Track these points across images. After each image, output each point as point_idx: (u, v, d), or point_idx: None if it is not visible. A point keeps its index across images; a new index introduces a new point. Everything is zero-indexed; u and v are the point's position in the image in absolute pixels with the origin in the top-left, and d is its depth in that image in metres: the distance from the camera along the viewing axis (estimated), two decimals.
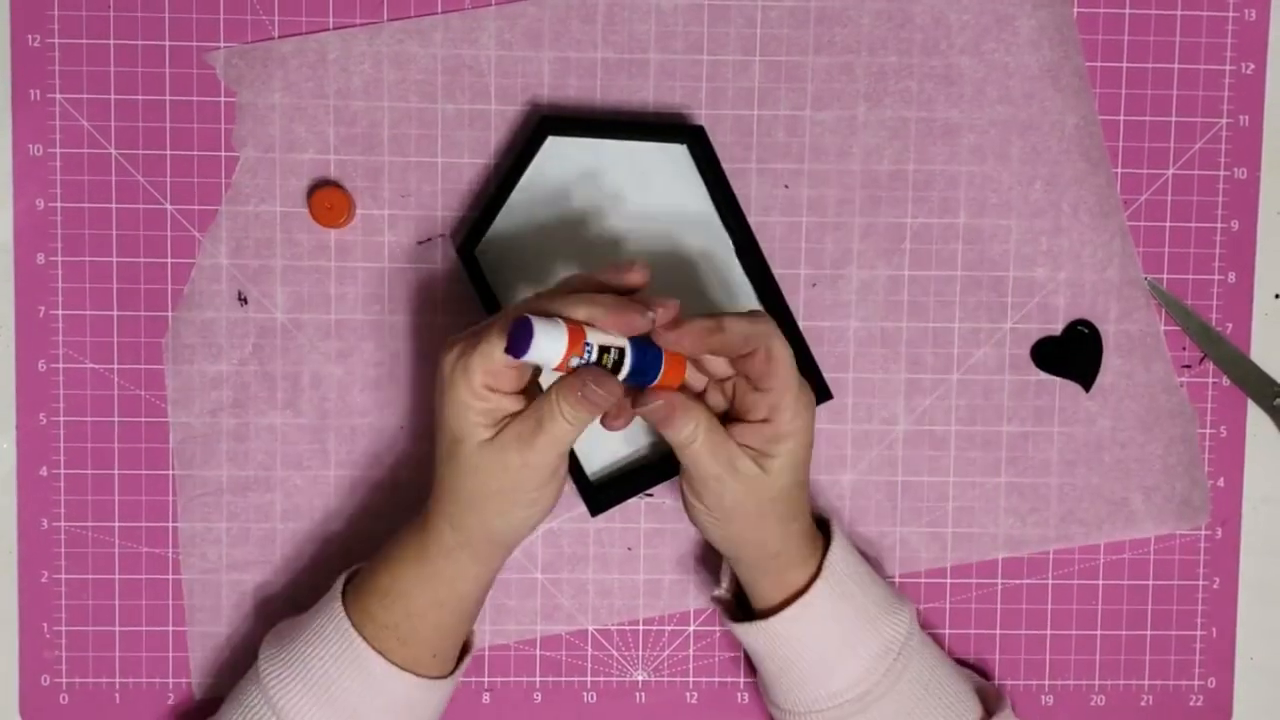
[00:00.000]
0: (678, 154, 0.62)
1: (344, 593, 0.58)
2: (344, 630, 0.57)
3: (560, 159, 0.61)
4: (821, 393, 0.62)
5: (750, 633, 0.59)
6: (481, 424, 0.53)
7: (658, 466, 0.63)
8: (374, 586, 0.58)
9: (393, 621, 0.57)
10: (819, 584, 0.58)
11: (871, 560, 0.66)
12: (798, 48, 0.64)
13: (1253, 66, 0.65)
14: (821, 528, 0.61)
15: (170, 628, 0.65)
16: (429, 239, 0.64)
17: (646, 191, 0.62)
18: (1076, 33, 0.64)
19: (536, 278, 0.62)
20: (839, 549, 0.59)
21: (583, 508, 0.64)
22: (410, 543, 0.57)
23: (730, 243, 0.62)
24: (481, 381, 0.52)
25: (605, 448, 0.63)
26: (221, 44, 0.63)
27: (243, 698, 0.59)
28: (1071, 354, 0.65)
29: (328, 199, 0.63)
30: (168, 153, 0.64)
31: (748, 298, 0.63)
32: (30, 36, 0.63)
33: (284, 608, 0.65)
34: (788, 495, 0.56)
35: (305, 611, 0.60)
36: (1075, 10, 0.64)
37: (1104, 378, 0.66)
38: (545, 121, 0.61)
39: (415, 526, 0.58)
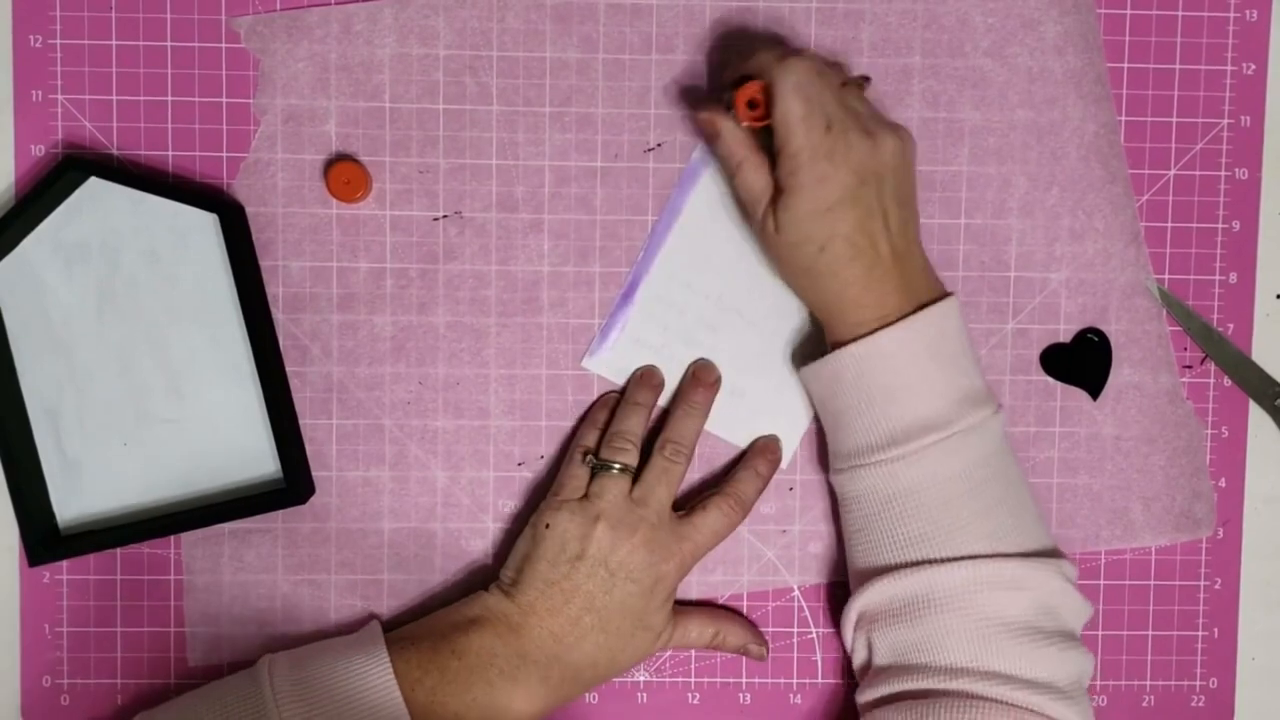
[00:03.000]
0: (210, 223, 0.63)
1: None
2: (387, 684, 0.57)
3: (102, 204, 0.62)
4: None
5: (821, 368, 0.59)
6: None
7: (137, 526, 0.63)
8: (439, 669, 0.58)
9: (446, 701, 0.58)
10: (895, 330, 0.57)
11: None
12: (823, 47, 0.64)
13: (1254, 67, 0.65)
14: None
15: (172, 629, 0.65)
16: (445, 215, 0.64)
17: (183, 253, 0.63)
18: (1101, 40, 0.64)
19: (48, 314, 0.63)
20: (930, 316, 0.58)
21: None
22: (490, 646, 0.59)
23: (243, 323, 0.63)
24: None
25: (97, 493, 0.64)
26: (222, 45, 0.63)
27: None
28: (1081, 362, 0.65)
29: (345, 173, 0.63)
30: (170, 153, 0.64)
31: (246, 375, 0.63)
32: (32, 37, 0.63)
33: (286, 609, 0.65)
34: (796, 251, 0.57)
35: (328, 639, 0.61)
36: (1101, 16, 0.64)
37: (1111, 386, 0.66)
38: (74, 162, 0.61)
39: (496, 636, 0.59)
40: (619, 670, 0.61)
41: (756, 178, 0.58)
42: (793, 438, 0.65)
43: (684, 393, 0.64)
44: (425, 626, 0.60)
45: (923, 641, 0.57)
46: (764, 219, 0.58)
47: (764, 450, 0.65)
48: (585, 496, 0.61)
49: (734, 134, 0.58)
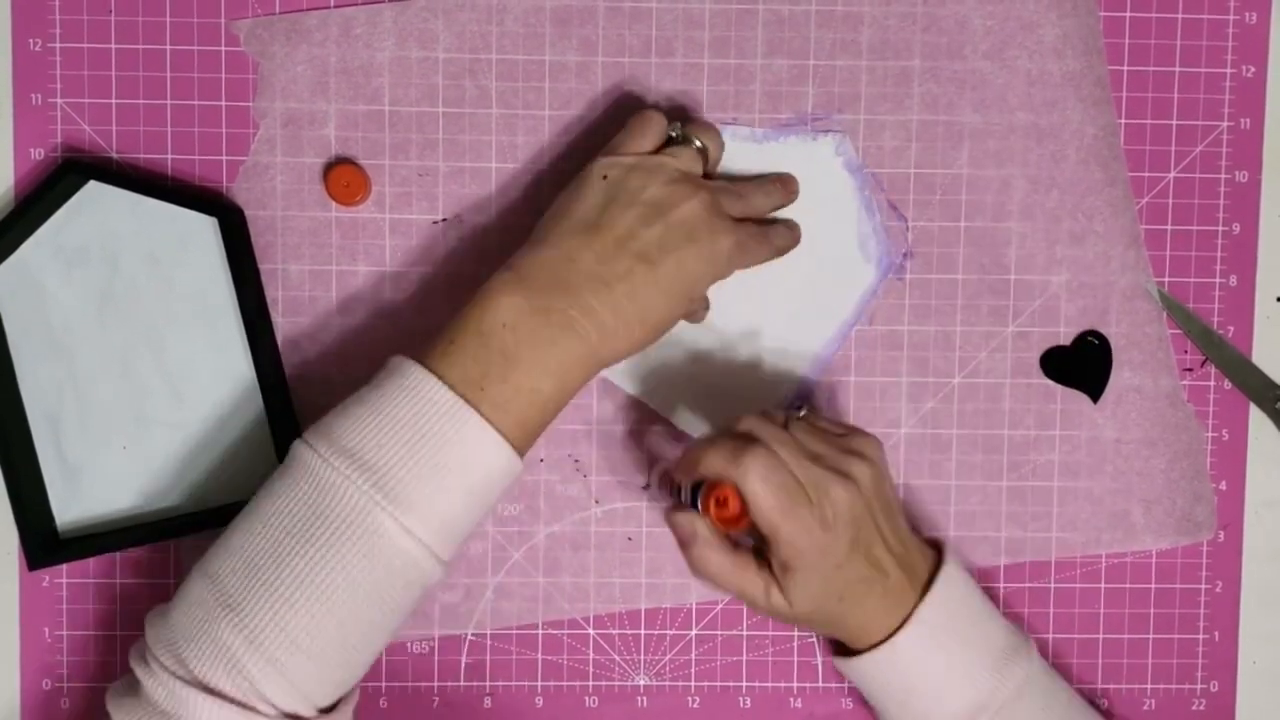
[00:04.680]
0: (209, 227, 0.63)
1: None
2: (429, 385, 0.52)
3: (101, 208, 0.62)
4: None
5: (848, 668, 0.59)
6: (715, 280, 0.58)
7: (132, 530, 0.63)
8: (498, 353, 0.53)
9: (520, 383, 0.53)
10: (908, 629, 0.57)
11: None
12: (823, 49, 0.64)
13: (1253, 69, 0.65)
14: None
15: None
16: (444, 219, 0.64)
17: (182, 257, 0.63)
18: (1101, 42, 0.64)
19: (50, 317, 0.63)
20: (935, 600, 0.57)
21: (589, 498, 0.64)
22: (529, 324, 0.53)
23: (242, 327, 0.63)
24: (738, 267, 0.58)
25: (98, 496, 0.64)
26: (223, 48, 0.63)
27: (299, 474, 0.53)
28: (1081, 365, 0.65)
29: (344, 176, 0.63)
30: (169, 156, 0.64)
31: (245, 378, 0.63)
32: (31, 40, 0.63)
33: None
34: (815, 615, 0.56)
35: None
36: (1101, 19, 0.64)
37: (1111, 389, 0.66)
38: (73, 165, 0.61)
39: (523, 295, 0.53)
40: (654, 337, 0.56)
41: (744, 578, 0.56)
42: None
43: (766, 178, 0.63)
44: (446, 332, 0.54)
45: None
46: (769, 600, 0.56)
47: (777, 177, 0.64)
48: (655, 154, 0.58)
49: (709, 540, 0.56)
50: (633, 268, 0.55)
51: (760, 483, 0.54)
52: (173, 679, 0.51)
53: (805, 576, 0.55)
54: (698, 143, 0.59)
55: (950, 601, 0.58)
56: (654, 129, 0.59)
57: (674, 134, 0.60)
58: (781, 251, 0.63)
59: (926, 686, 0.57)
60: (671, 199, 0.56)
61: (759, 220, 0.62)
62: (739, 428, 0.57)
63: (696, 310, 0.62)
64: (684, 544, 0.57)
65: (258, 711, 0.51)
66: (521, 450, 0.54)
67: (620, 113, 0.64)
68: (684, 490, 0.57)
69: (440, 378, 0.53)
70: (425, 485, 0.52)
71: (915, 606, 0.57)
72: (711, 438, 0.57)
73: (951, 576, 0.58)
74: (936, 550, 0.60)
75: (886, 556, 0.57)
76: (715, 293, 0.64)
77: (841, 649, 0.60)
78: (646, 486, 0.64)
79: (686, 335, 0.65)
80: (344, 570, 0.51)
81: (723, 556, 0.56)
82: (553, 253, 0.55)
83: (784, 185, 0.63)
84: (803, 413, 0.59)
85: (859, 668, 0.58)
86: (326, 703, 0.54)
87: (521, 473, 0.55)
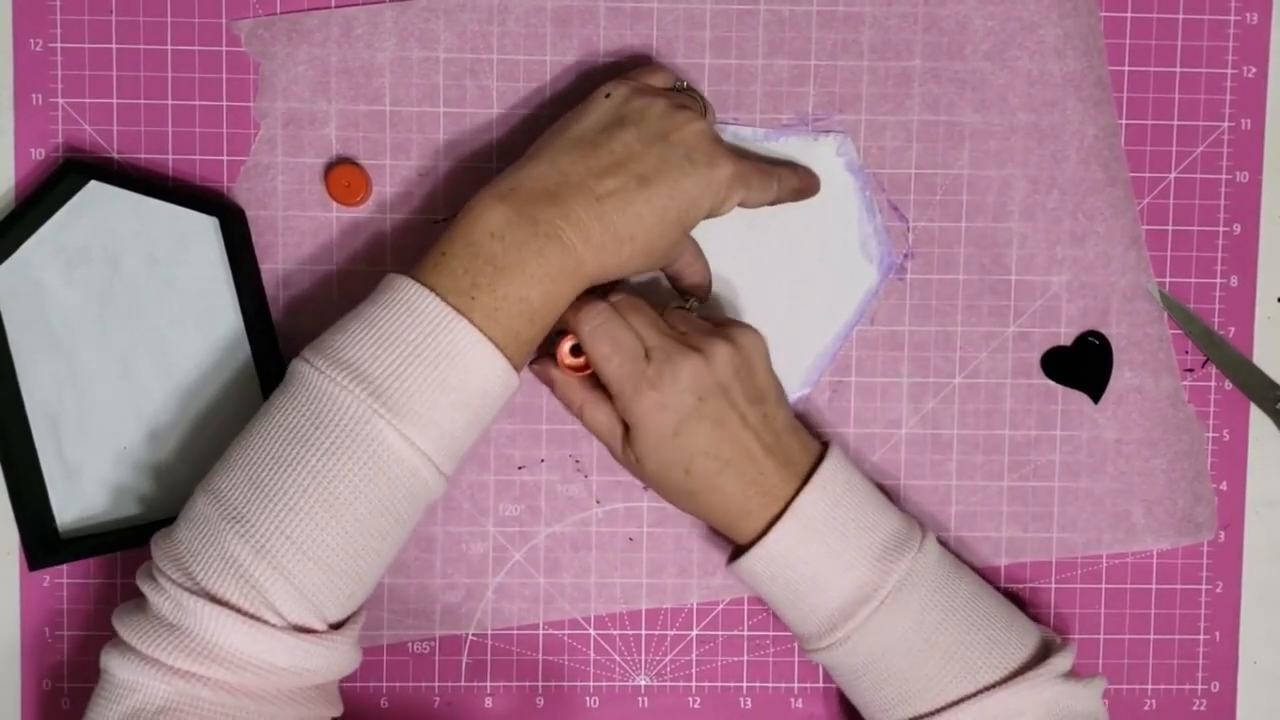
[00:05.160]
0: (210, 227, 0.63)
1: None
2: (421, 298, 0.53)
3: (102, 208, 0.62)
4: None
5: (739, 571, 0.59)
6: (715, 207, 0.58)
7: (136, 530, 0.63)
8: (487, 261, 0.53)
9: (507, 291, 0.53)
10: (784, 520, 0.57)
11: None
12: (824, 50, 0.64)
13: (1254, 70, 0.65)
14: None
15: None
16: (445, 219, 0.64)
17: (183, 257, 0.63)
18: (1102, 43, 0.64)
19: (49, 317, 0.63)
20: (812, 492, 0.57)
21: (590, 498, 0.64)
22: (523, 241, 0.53)
23: (243, 327, 0.63)
24: (739, 202, 0.58)
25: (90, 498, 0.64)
26: (224, 48, 0.63)
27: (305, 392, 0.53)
28: (1082, 365, 0.65)
29: (345, 176, 0.63)
30: (170, 157, 0.64)
31: (246, 379, 0.63)
32: (32, 40, 0.63)
33: None
34: (666, 478, 0.57)
35: None
36: (1101, 19, 0.64)
37: (1112, 390, 0.66)
38: (74, 165, 0.61)
39: (510, 205, 0.54)
40: (652, 260, 0.57)
41: (598, 416, 0.59)
42: None
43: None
44: (437, 244, 0.55)
45: None
46: (624, 453, 0.58)
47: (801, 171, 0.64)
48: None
49: (564, 382, 0.60)
50: (626, 184, 0.55)
51: (591, 333, 0.56)
52: (180, 590, 0.51)
53: (640, 434, 0.56)
54: (702, 100, 0.60)
55: (831, 493, 0.57)
56: (661, 73, 0.60)
57: (680, 85, 0.60)
58: (795, 195, 0.62)
59: (812, 578, 0.57)
60: (673, 121, 0.56)
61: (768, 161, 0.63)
62: (607, 298, 0.58)
63: (687, 263, 0.62)
64: (550, 387, 0.61)
65: (266, 622, 0.51)
66: (516, 361, 0.55)
67: None
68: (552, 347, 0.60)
69: (431, 289, 0.53)
70: (423, 395, 0.52)
71: (793, 499, 0.57)
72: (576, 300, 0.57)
73: (833, 468, 0.58)
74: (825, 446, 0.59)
75: (748, 438, 0.57)
76: (717, 293, 0.65)
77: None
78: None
79: None
80: (347, 478, 0.52)
81: (582, 393, 0.59)
82: (545, 167, 0.55)
83: (802, 175, 0.63)
84: (689, 304, 0.61)
85: (745, 566, 0.58)
86: (336, 616, 0.54)
87: (517, 389, 0.56)
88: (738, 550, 0.60)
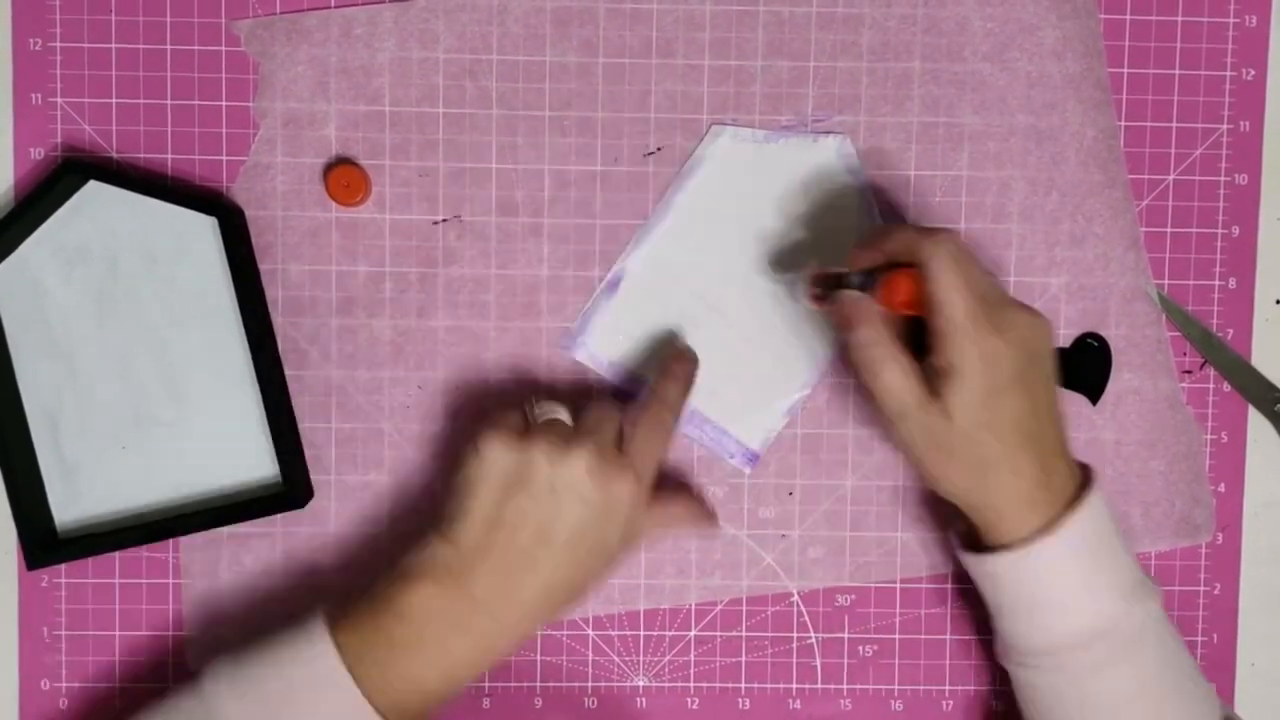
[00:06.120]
0: (209, 227, 0.63)
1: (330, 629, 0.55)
2: (339, 678, 0.54)
3: (101, 207, 0.62)
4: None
5: (981, 563, 0.58)
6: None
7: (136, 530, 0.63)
8: (385, 637, 0.55)
9: (402, 673, 0.55)
10: (1056, 536, 0.55)
11: (873, 565, 0.66)
12: (823, 51, 0.64)
13: (1253, 72, 0.65)
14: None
15: (170, 633, 0.65)
16: (444, 219, 0.64)
17: (182, 257, 0.63)
18: (1101, 45, 0.64)
19: (47, 318, 0.63)
20: (1083, 517, 0.55)
21: None
22: (436, 598, 0.55)
23: (241, 327, 0.63)
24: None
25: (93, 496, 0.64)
26: (223, 48, 0.63)
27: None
28: (1080, 367, 0.65)
29: (345, 176, 0.63)
30: (169, 156, 0.64)
31: (245, 378, 0.63)
32: (32, 40, 0.63)
33: (284, 614, 0.65)
34: (972, 440, 0.54)
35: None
36: (1101, 21, 0.64)
37: (1110, 391, 0.66)
38: (73, 165, 0.61)
39: (439, 587, 0.55)
40: (578, 601, 0.57)
41: (896, 371, 0.54)
42: (762, 440, 0.65)
43: (665, 360, 0.63)
44: (365, 594, 0.57)
45: None
46: (925, 413, 0.54)
47: (673, 351, 0.63)
48: (524, 428, 0.57)
49: (878, 329, 0.55)
50: (529, 547, 0.55)
51: (952, 260, 0.53)
52: None
53: (967, 383, 0.53)
54: (553, 414, 0.58)
55: (1096, 524, 0.56)
56: (506, 423, 0.57)
57: (533, 406, 0.59)
58: (690, 522, 0.62)
59: (1058, 599, 0.56)
60: (558, 470, 0.55)
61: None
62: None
63: (666, 525, 0.61)
64: (848, 324, 0.56)
65: None
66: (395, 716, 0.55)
67: (619, 113, 0.64)
68: (854, 280, 0.56)
69: (338, 646, 0.54)
70: None
71: (1060, 517, 0.55)
72: (905, 226, 0.56)
73: (1099, 500, 0.57)
74: (1085, 472, 0.58)
75: (1053, 421, 0.55)
76: (720, 293, 0.65)
77: (967, 546, 0.59)
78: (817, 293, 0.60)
79: (695, 337, 0.65)
80: None
81: (888, 342, 0.55)
82: (449, 549, 0.55)
83: (677, 359, 0.63)
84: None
85: (994, 565, 0.57)
86: None
87: None
88: (973, 541, 0.58)
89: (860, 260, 0.57)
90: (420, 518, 0.65)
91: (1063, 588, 0.56)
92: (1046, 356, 0.55)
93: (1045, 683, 0.58)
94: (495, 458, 0.55)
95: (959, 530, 0.61)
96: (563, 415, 0.59)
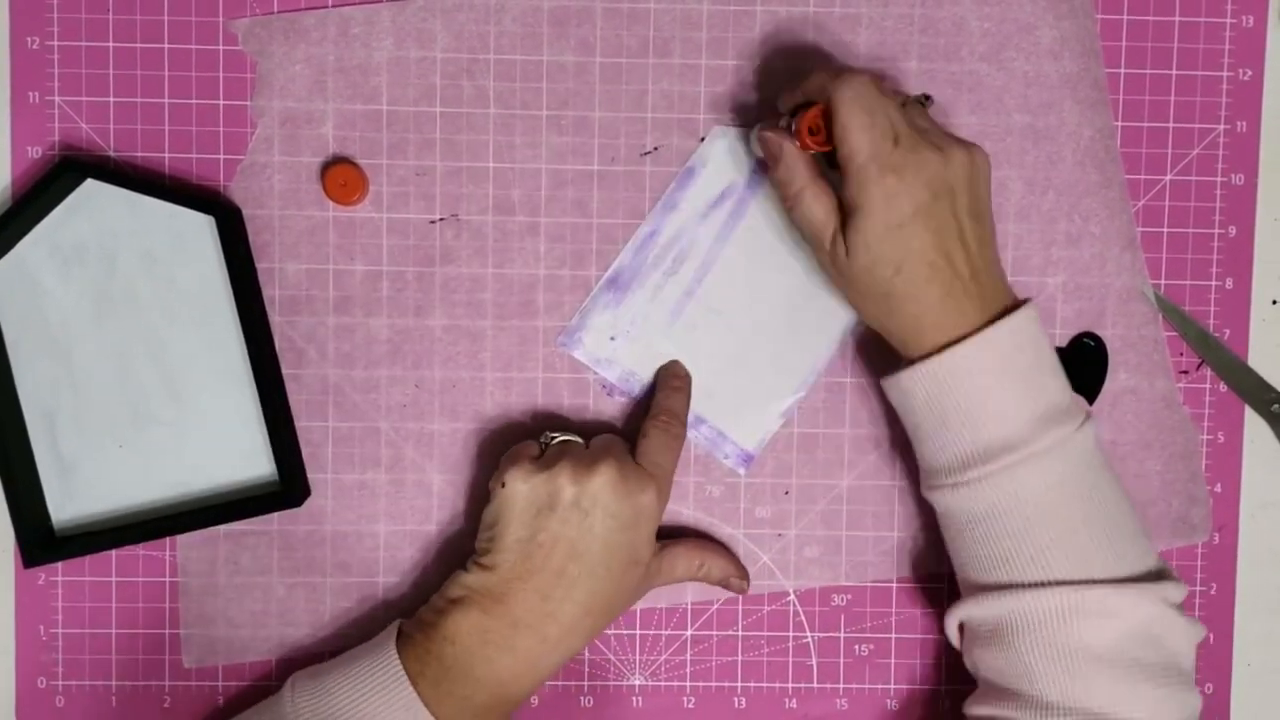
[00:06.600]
0: (206, 226, 0.63)
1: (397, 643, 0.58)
2: (403, 689, 0.56)
3: (98, 206, 0.62)
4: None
5: (896, 382, 0.58)
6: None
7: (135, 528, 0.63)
8: (436, 658, 0.57)
9: (452, 690, 0.57)
10: (970, 342, 0.55)
11: (869, 564, 0.66)
12: (822, 51, 0.64)
13: (1250, 72, 0.65)
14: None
15: (167, 631, 0.65)
16: (442, 218, 0.64)
17: (179, 256, 0.63)
18: (1098, 45, 0.64)
19: (45, 315, 0.63)
20: (1004, 328, 0.55)
21: None
22: (489, 627, 0.57)
23: (239, 326, 0.63)
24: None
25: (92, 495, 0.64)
26: (220, 47, 0.64)
27: None
28: (1077, 366, 0.65)
29: (342, 176, 0.63)
30: (166, 155, 0.64)
31: (242, 377, 0.63)
32: (29, 39, 0.63)
33: (281, 612, 0.65)
34: (870, 274, 0.56)
35: (341, 654, 0.60)
36: (1097, 21, 0.64)
37: (1107, 391, 0.66)
38: (71, 163, 0.61)
39: (482, 611, 0.57)
40: (617, 613, 0.60)
41: (818, 206, 0.57)
42: (757, 441, 0.65)
43: (665, 376, 0.64)
44: (417, 618, 0.59)
45: (1013, 669, 0.56)
46: (832, 246, 0.57)
47: (670, 369, 0.65)
48: (540, 456, 0.60)
49: (796, 158, 0.57)
50: (562, 568, 0.57)
51: (853, 99, 0.55)
52: None
53: (866, 220, 0.55)
54: (565, 437, 0.60)
55: (1020, 338, 0.56)
56: (524, 454, 0.59)
57: (547, 440, 0.61)
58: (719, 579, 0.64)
59: (966, 410, 0.56)
60: (581, 488, 0.57)
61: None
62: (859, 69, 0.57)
63: (692, 566, 0.63)
64: (773, 159, 0.58)
65: None
66: None
67: (616, 113, 0.64)
68: (783, 121, 0.58)
69: (402, 660, 0.57)
70: None
71: (981, 327, 0.55)
72: (825, 65, 0.58)
73: (1026, 318, 0.56)
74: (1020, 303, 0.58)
75: (959, 253, 0.55)
76: (722, 293, 0.65)
77: (888, 371, 0.59)
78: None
79: (692, 338, 0.65)
80: None
81: (808, 176, 0.57)
82: (490, 576, 0.58)
83: (675, 375, 0.64)
84: (927, 100, 0.59)
85: (908, 380, 0.57)
86: None
87: None
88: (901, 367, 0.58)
89: (788, 100, 0.59)
90: (419, 516, 0.65)
91: (971, 398, 0.56)
92: (963, 189, 0.55)
93: (959, 505, 0.57)
94: (520, 487, 0.58)
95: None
96: (575, 439, 0.60)
